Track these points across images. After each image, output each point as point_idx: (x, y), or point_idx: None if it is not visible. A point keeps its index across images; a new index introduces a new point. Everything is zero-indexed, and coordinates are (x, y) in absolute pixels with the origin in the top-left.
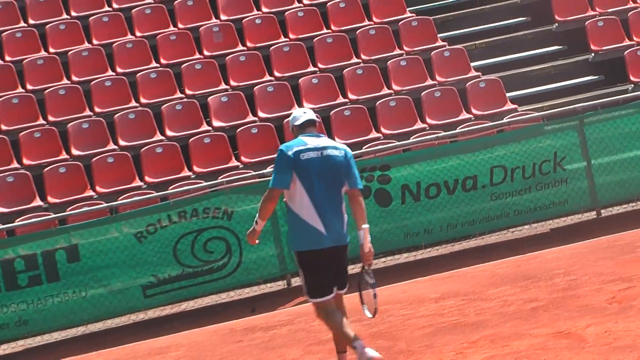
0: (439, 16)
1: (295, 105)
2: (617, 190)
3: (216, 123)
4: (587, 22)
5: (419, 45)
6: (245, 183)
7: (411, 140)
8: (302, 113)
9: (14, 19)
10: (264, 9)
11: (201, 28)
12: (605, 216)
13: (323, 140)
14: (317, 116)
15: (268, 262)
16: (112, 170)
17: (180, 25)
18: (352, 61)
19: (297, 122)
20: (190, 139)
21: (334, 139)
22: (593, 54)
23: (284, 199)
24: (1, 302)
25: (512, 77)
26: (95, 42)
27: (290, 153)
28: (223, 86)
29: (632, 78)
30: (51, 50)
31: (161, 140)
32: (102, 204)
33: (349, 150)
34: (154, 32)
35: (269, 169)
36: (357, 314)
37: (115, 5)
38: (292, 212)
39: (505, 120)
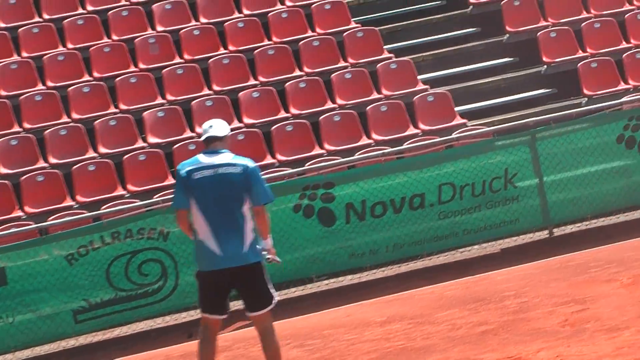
0: (385, 27)
1: (235, 120)
2: (570, 208)
3: (152, 139)
4: (539, 33)
5: (364, 57)
6: None
7: (356, 156)
8: (208, 127)
9: None
10: (202, 20)
11: (136, 39)
12: (558, 235)
13: (221, 157)
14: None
15: None
16: (41, 189)
17: (114, 37)
18: (294, 74)
19: (202, 138)
20: (125, 156)
21: (275, 156)
22: (545, 66)
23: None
24: None
25: (462, 91)
26: (24, 54)
27: (182, 172)
28: (159, 100)
29: (585, 91)
30: None
31: (94, 158)
32: (31, 224)
33: (251, 164)
34: (86, 43)
35: None
36: (296, 340)
37: (46, 16)
38: (194, 231)
39: (454, 135)
